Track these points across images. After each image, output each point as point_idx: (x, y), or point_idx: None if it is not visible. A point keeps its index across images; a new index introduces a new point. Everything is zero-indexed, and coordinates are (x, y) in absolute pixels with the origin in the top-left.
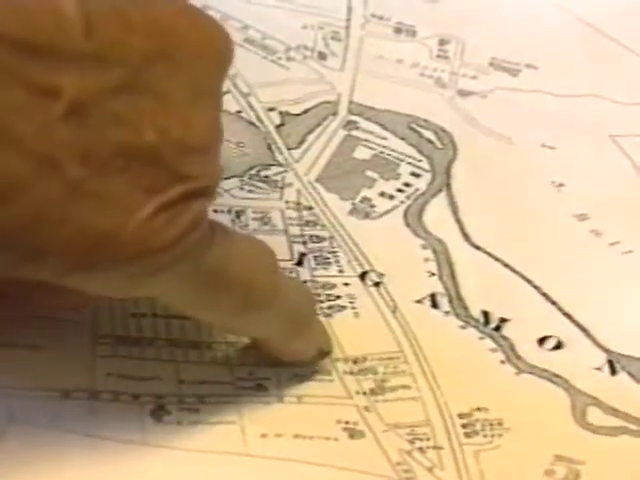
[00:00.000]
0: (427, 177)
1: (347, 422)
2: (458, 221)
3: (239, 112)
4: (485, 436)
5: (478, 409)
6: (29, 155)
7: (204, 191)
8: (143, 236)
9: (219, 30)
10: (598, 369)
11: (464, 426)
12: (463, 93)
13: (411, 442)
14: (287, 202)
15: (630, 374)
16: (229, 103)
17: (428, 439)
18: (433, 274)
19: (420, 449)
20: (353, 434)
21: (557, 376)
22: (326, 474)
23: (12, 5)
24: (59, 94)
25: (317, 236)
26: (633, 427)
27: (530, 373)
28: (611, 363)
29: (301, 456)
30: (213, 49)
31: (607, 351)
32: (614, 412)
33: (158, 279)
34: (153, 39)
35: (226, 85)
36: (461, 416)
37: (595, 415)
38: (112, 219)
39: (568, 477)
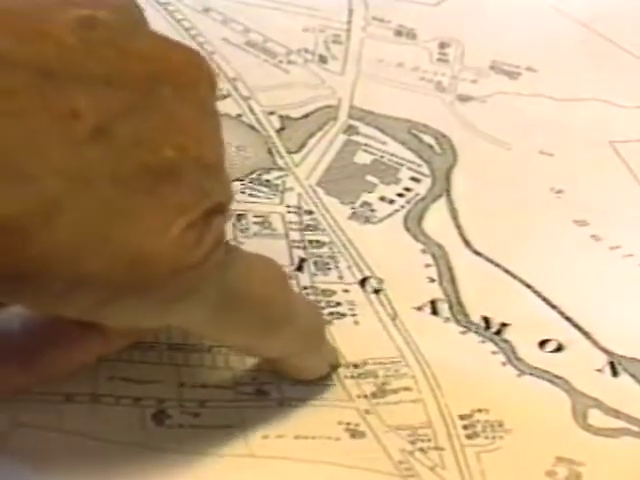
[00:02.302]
0: (427, 182)
1: (348, 423)
2: (458, 227)
3: (239, 116)
4: (486, 437)
5: (479, 410)
6: (62, 175)
7: (221, 207)
8: (176, 255)
9: (202, 57)
10: (599, 371)
11: (465, 427)
12: (463, 98)
13: (412, 443)
14: (288, 206)
15: (632, 375)
16: (230, 107)
17: (429, 440)
18: (433, 280)
19: (421, 449)
20: (354, 434)
21: (558, 377)
22: (329, 472)
23: (18, 32)
24: (80, 116)
25: (317, 241)
26: (635, 429)
27: (531, 375)
28: (612, 365)
29: (303, 455)
30: (204, 73)
31: (608, 353)
32: (615, 414)
33: (186, 304)
34: (147, 65)
35: (226, 88)
36: (462, 417)
37: (596, 417)
38: (147, 238)
39: (569, 479)
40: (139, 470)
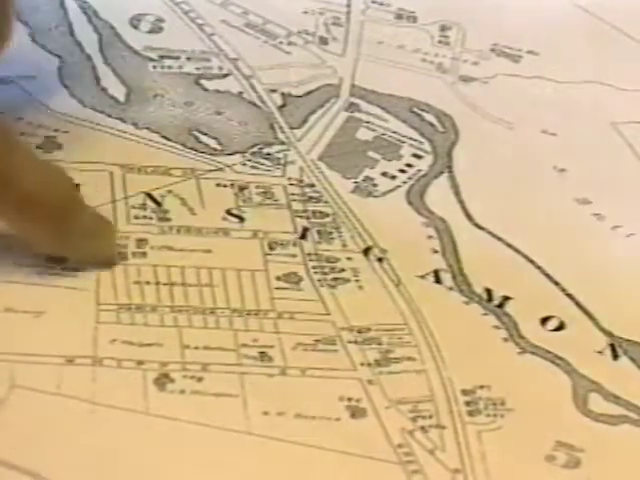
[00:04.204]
0: (429, 159)
1: (350, 399)
2: (461, 202)
3: (241, 93)
4: (488, 415)
5: (481, 387)
6: None
7: None
8: None
9: None
10: (600, 352)
11: (467, 404)
12: (464, 79)
13: (413, 420)
14: (290, 179)
15: (632, 359)
16: (231, 84)
17: (431, 417)
18: (436, 251)
19: (422, 428)
20: (355, 412)
21: (560, 358)
22: (326, 458)
23: None
24: None
25: (320, 212)
26: (634, 416)
27: (532, 353)
28: (613, 347)
29: (302, 438)
30: None
31: (609, 334)
32: (615, 399)
33: None
34: None
35: (227, 67)
36: (465, 393)
37: (596, 402)
38: None
39: (569, 464)
40: (138, 438)
